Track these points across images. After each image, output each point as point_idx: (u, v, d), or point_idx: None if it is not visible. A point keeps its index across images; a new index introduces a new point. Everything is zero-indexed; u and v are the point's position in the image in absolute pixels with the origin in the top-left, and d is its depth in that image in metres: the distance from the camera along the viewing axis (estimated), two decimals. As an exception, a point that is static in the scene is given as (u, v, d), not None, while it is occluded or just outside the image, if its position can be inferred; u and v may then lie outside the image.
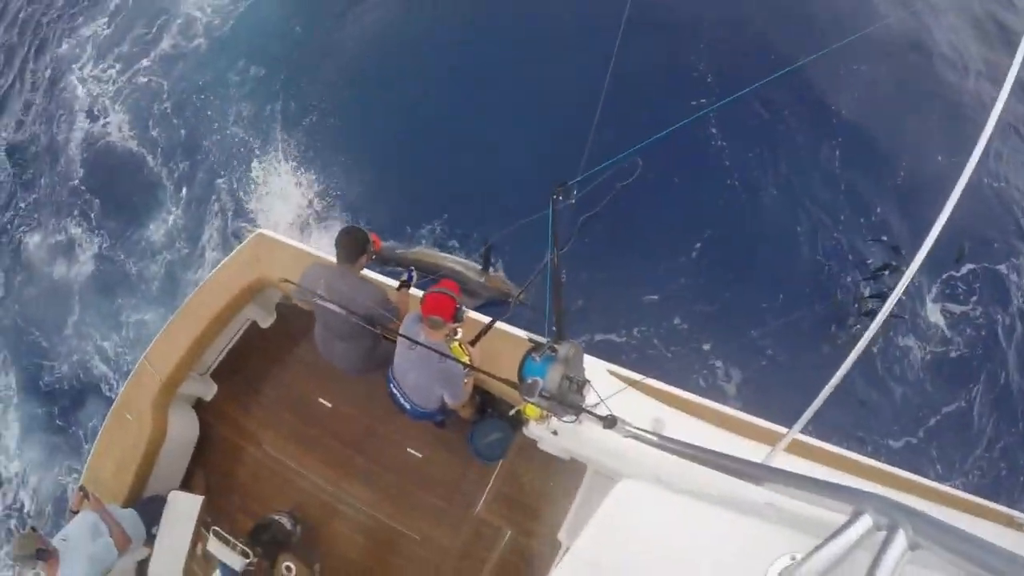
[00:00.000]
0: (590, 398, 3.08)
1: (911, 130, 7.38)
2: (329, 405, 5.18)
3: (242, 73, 8.94)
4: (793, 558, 1.53)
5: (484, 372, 3.27)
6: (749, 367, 6.16)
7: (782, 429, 3.71)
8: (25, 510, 8.15)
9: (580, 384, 2.59)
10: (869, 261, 6.61)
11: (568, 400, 2.53)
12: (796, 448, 3.64)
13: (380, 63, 8.38)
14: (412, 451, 4.92)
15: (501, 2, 8.42)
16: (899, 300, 2.16)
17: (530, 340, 2.76)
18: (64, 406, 8.18)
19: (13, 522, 8.13)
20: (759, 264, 6.71)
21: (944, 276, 6.67)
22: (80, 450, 7.48)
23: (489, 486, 4.68)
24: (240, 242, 5.41)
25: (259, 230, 5.07)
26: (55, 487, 7.89)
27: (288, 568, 4.13)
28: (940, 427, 6.04)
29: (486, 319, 4.09)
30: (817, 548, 1.39)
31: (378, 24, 8.61)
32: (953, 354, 6.35)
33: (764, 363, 6.14)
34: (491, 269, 6.17)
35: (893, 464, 3.78)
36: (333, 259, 4.16)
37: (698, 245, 6.65)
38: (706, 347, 6.30)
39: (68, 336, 8.37)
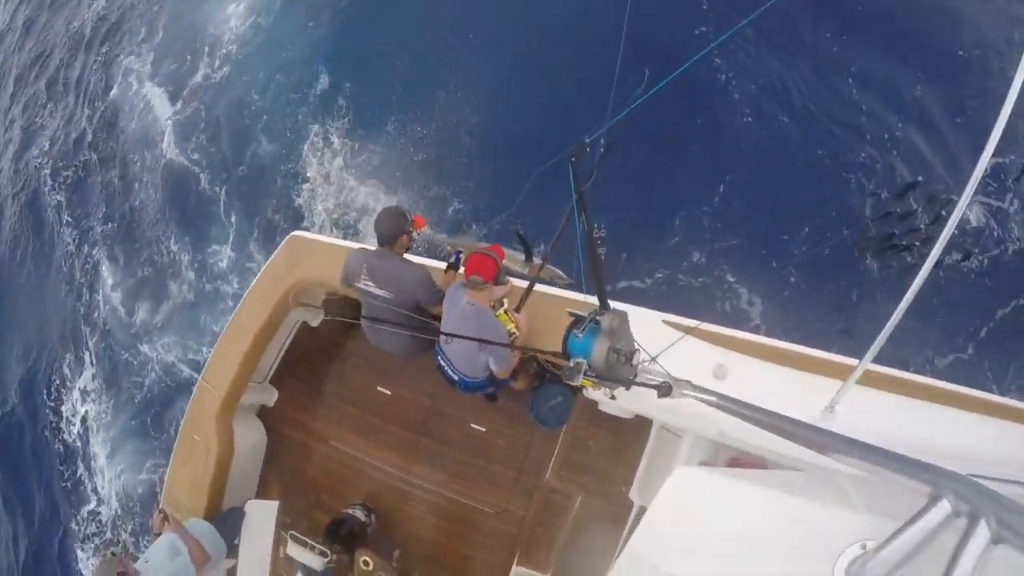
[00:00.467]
0: (644, 356, 2.96)
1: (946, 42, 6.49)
2: (388, 393, 5.22)
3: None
4: (864, 547, 1.40)
5: (527, 348, 3.17)
6: (775, 295, 5.93)
7: (852, 361, 3.52)
8: (119, 519, 8.65)
9: (629, 354, 2.45)
10: (897, 182, 6.09)
11: (617, 374, 2.41)
12: (870, 380, 3.44)
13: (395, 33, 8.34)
14: (475, 426, 4.92)
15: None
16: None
17: (570, 314, 2.61)
18: (155, 413, 8.71)
19: (108, 535, 8.66)
20: (782, 195, 6.34)
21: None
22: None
23: (556, 452, 4.62)
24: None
25: (291, 233, 5.01)
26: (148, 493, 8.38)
27: (366, 563, 4.17)
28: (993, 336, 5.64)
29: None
30: (890, 538, 1.25)
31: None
32: (1003, 254, 5.89)
33: (788, 291, 5.91)
34: (535, 257, 5.93)
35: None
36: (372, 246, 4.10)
37: (720, 182, 6.35)
38: (731, 278, 6.09)
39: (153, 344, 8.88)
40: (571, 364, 2.21)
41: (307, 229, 6.97)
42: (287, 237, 5.00)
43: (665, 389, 2.38)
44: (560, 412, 4.50)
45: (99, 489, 9.11)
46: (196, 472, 4.78)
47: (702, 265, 6.15)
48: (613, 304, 3.84)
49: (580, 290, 3.93)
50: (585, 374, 2.20)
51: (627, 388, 2.36)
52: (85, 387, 9.68)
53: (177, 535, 4.32)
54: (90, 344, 9.86)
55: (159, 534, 4.44)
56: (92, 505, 9.04)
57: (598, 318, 2.47)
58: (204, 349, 8.36)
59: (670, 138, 6.47)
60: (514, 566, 4.71)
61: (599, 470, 4.58)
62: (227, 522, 4.76)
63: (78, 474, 9.34)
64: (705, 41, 6.40)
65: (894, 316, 2.35)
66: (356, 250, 4.20)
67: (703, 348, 3.72)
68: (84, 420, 9.51)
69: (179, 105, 10.21)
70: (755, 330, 5.44)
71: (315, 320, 5.34)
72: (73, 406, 9.70)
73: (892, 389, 3.46)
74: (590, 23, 7.05)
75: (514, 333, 3.76)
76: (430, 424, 5.07)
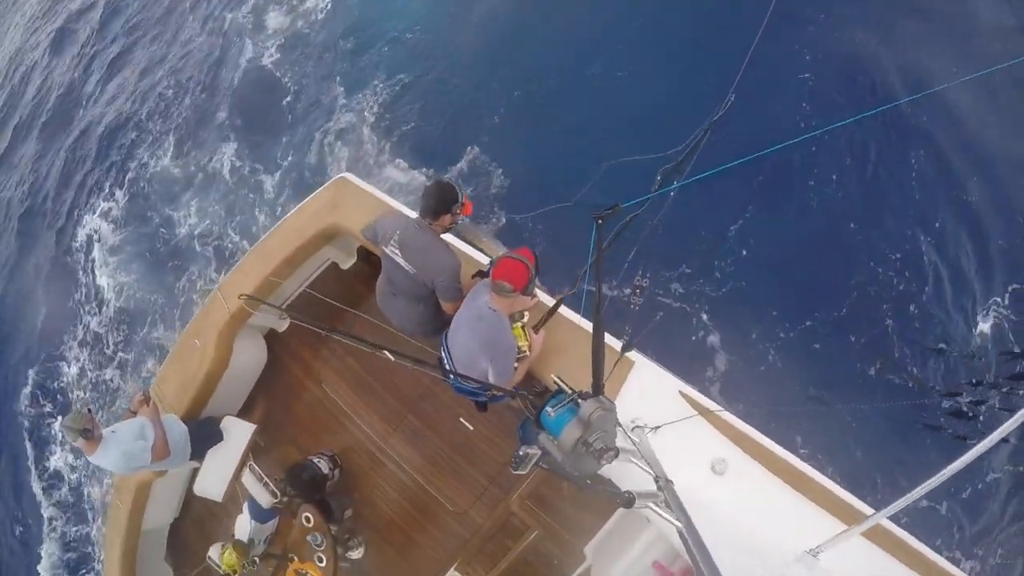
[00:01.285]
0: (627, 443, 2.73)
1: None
2: (392, 358, 5.09)
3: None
4: None
5: (509, 392, 2.96)
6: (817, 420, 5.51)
7: (867, 509, 3.20)
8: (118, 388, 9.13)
9: (600, 451, 2.21)
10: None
11: (580, 466, 2.19)
12: (876, 536, 3.13)
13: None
14: (464, 422, 4.78)
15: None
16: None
17: (556, 381, 2.39)
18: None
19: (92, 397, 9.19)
20: (833, 297, 5.92)
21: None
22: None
23: (529, 480, 4.45)
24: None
25: (342, 174, 4.89)
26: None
27: (307, 519, 4.15)
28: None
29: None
30: None
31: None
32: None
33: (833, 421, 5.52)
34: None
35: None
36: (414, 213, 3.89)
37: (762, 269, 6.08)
38: (770, 359, 5.76)
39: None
40: (520, 452, 2.00)
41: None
42: (336, 177, 4.88)
43: (627, 501, 2.16)
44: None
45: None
46: (187, 374, 4.83)
47: (738, 342, 5.84)
48: (638, 358, 3.65)
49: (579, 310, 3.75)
50: (537, 463, 1.98)
51: (579, 488, 2.13)
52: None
53: (150, 422, 4.38)
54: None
55: (134, 413, 4.53)
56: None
57: (580, 400, 2.23)
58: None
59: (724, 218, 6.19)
60: (452, 569, 4.65)
61: (563, 514, 4.41)
62: (201, 429, 4.83)
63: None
64: (776, 135, 5.89)
65: (928, 483, 2.14)
66: (395, 213, 4.03)
67: (711, 435, 3.46)
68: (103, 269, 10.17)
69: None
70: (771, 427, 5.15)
71: (346, 263, 5.27)
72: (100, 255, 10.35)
73: (893, 552, 3.15)
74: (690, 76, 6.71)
75: (524, 352, 3.55)
76: (422, 404, 4.96)
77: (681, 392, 3.59)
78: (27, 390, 10.18)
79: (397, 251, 3.71)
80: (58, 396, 9.89)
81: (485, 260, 4.16)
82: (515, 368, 3.52)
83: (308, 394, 5.33)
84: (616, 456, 2.28)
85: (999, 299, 5.52)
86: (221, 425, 4.94)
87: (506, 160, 7.22)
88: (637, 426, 3.33)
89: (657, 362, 3.87)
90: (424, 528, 4.83)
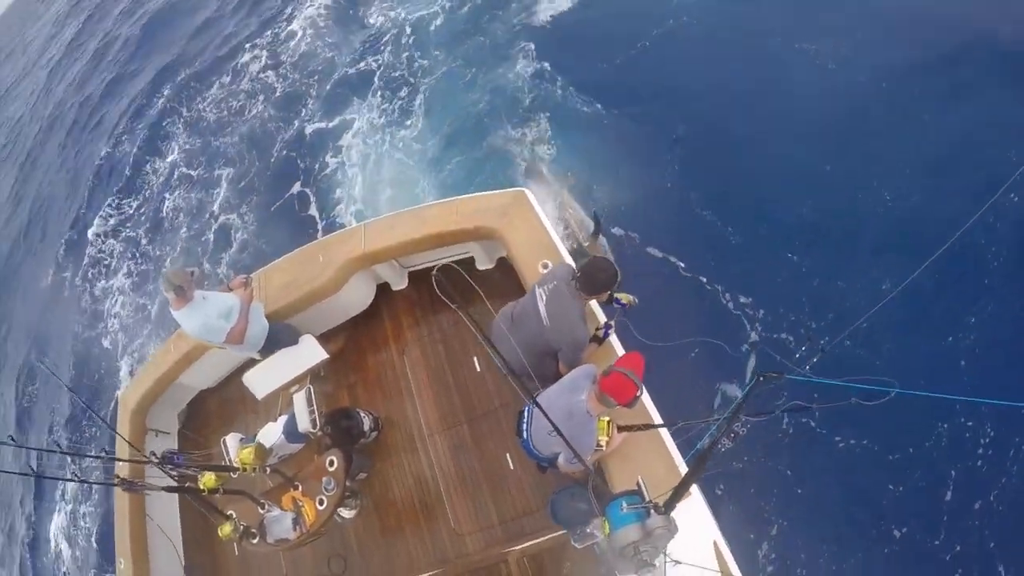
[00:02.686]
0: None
1: None
2: (478, 369, 5.17)
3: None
4: None
5: (585, 467, 2.99)
6: None
7: None
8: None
9: (644, 563, 2.25)
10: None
11: (615, 563, 2.23)
12: None
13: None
14: (509, 459, 4.77)
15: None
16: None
17: (639, 482, 2.44)
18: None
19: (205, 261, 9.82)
20: None
21: None
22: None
23: (538, 540, 4.40)
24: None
25: (523, 188, 5.01)
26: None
27: (331, 463, 4.27)
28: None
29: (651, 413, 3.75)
30: None
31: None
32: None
33: None
34: (598, 237, 6.49)
35: None
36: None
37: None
38: None
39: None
40: (587, 530, 2.06)
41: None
42: (518, 188, 5.00)
43: None
44: (569, 519, 4.25)
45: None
46: (295, 281, 5.11)
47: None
48: (695, 492, 3.59)
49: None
50: (593, 546, 2.04)
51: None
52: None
53: (239, 305, 4.64)
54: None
55: (230, 289, 4.80)
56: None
57: (652, 511, 2.28)
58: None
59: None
60: None
61: None
62: (282, 332, 5.08)
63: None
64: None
65: None
66: (566, 266, 4.05)
67: None
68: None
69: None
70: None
71: (482, 264, 5.42)
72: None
73: None
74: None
75: (600, 448, 3.53)
76: (481, 421, 4.99)
77: (715, 543, 3.52)
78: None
79: (544, 297, 3.81)
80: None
81: (602, 319, 4.19)
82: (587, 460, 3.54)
83: (387, 356, 5.49)
84: (649, 572, 2.31)
85: None
86: (300, 338, 5.18)
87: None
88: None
89: (708, 502, 3.82)
90: (419, 527, 4.86)
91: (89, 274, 12.05)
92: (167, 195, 12.32)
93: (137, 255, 11.68)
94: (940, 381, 5.38)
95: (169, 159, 13.14)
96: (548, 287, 3.80)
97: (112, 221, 12.75)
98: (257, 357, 5.20)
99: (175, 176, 12.59)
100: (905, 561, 4.96)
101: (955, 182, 6.23)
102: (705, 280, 6.55)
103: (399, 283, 5.63)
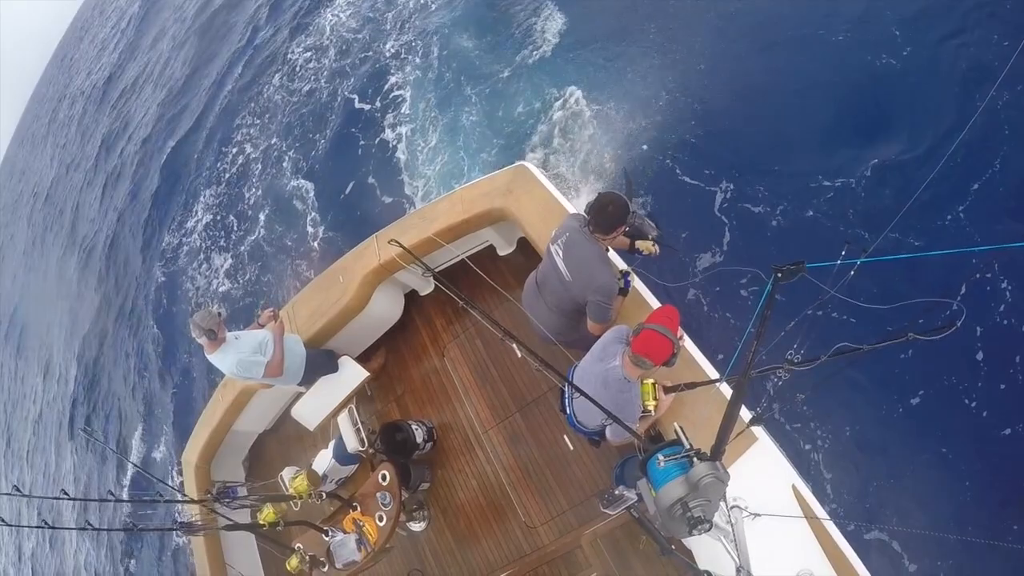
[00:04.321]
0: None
1: None
2: (519, 355, 5.03)
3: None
4: None
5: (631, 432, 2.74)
6: None
7: None
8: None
9: (697, 519, 2.00)
10: None
11: (666, 526, 1.98)
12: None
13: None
14: (567, 439, 4.63)
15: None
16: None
17: (677, 430, 2.18)
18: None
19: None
20: None
21: None
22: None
23: (609, 520, 4.18)
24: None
25: (522, 162, 4.82)
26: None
27: (384, 477, 4.19)
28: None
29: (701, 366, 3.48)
30: None
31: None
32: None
33: None
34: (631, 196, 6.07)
35: None
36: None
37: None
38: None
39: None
40: (615, 491, 1.83)
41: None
42: (516, 163, 4.83)
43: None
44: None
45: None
46: (323, 305, 5.06)
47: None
48: (762, 436, 3.29)
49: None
50: (628, 508, 1.80)
51: (659, 550, 1.93)
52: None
53: (272, 339, 4.59)
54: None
55: (262, 325, 4.78)
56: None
57: (695, 459, 2.02)
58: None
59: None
60: (501, 575, 4.55)
61: (630, 567, 4.13)
62: (319, 358, 5.03)
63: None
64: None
65: None
66: (575, 214, 3.79)
67: (809, 542, 3.06)
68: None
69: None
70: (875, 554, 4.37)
71: (503, 250, 5.28)
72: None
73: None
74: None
75: (649, 411, 3.17)
76: (533, 408, 4.85)
77: (794, 487, 3.23)
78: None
79: (560, 253, 3.58)
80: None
81: (622, 266, 3.90)
82: (635, 425, 3.28)
83: (428, 362, 5.41)
84: (708, 530, 2.06)
85: None
86: (338, 361, 5.12)
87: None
88: (737, 506, 3.02)
89: (780, 447, 3.51)
90: (490, 527, 4.75)
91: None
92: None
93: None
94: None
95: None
96: (562, 240, 3.57)
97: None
98: (302, 390, 5.18)
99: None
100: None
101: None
102: (738, 207, 6.12)
103: (425, 288, 5.53)
